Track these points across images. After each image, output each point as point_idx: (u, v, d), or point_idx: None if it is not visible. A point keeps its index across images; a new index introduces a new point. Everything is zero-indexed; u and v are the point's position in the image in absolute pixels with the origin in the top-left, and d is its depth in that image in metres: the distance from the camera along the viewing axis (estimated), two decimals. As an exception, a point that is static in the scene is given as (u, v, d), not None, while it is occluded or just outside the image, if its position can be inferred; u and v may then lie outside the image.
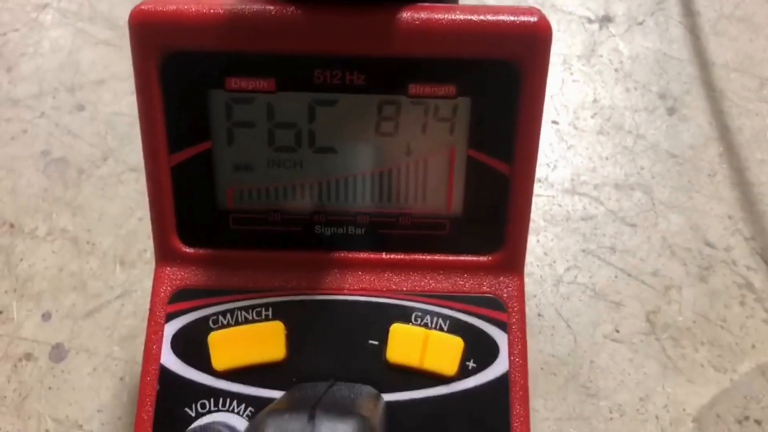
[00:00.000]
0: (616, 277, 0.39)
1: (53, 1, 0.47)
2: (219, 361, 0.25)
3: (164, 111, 0.24)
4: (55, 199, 0.41)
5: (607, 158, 0.43)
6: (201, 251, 0.26)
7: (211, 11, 0.23)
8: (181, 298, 0.25)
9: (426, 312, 0.25)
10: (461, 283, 0.26)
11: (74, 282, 0.38)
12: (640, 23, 0.49)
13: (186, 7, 0.23)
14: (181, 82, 0.23)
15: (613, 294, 0.39)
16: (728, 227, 0.41)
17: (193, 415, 0.24)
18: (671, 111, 0.46)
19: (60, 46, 0.46)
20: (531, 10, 0.23)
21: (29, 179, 0.41)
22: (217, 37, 0.23)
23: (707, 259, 0.40)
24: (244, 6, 0.23)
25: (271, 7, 0.22)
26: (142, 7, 0.23)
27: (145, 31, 0.23)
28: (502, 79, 0.23)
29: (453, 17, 0.23)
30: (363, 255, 0.26)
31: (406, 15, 0.23)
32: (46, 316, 0.37)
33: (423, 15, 0.23)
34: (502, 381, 0.24)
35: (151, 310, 0.25)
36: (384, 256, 0.26)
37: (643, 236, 0.41)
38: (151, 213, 0.25)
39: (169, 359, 0.25)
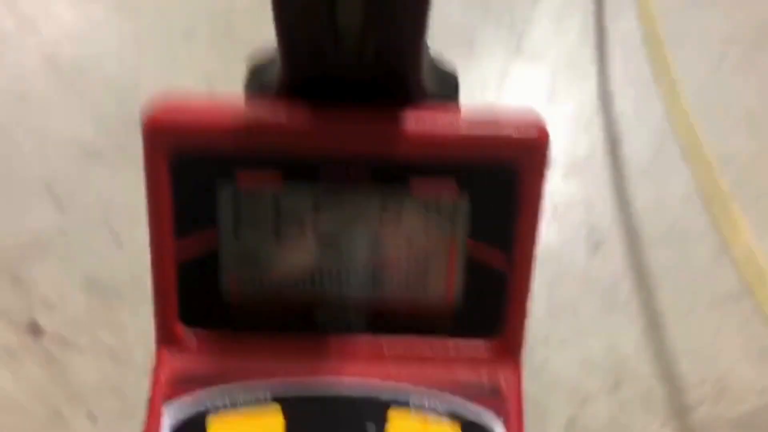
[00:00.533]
0: (543, 388, 0.50)
1: (104, 148, 0.58)
2: None
3: (172, 203, 0.24)
4: (100, 319, 0.51)
5: (539, 289, 0.54)
6: (202, 335, 0.26)
7: (222, 113, 0.24)
8: (182, 382, 0.25)
9: (424, 399, 0.25)
10: (459, 371, 0.26)
11: (116, 390, 0.48)
12: (574, 171, 0.60)
13: (197, 110, 0.24)
14: (191, 178, 0.24)
15: (542, 402, 0.49)
16: (639, 348, 0.52)
17: None
18: (596, 247, 0.56)
19: (102, 187, 0.56)
20: (530, 116, 0.24)
21: (78, 302, 0.51)
22: (227, 136, 0.24)
23: (619, 375, 0.51)
24: (253, 106, 0.24)
25: (280, 107, 0.24)
26: (155, 114, 0.23)
27: (158, 137, 0.24)
28: (502, 180, 0.24)
29: (454, 122, 0.24)
30: (363, 342, 0.26)
31: (410, 117, 0.24)
32: (93, 420, 0.47)
33: (426, 118, 0.24)
34: None
35: (151, 394, 0.25)
36: (384, 343, 0.26)
37: (568, 355, 0.51)
38: (154, 297, 0.26)
39: None
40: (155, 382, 0.25)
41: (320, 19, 0.20)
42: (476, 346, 0.26)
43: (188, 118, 0.23)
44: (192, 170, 0.24)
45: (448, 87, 0.27)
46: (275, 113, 0.23)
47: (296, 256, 0.26)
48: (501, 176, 0.24)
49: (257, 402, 0.25)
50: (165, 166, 0.24)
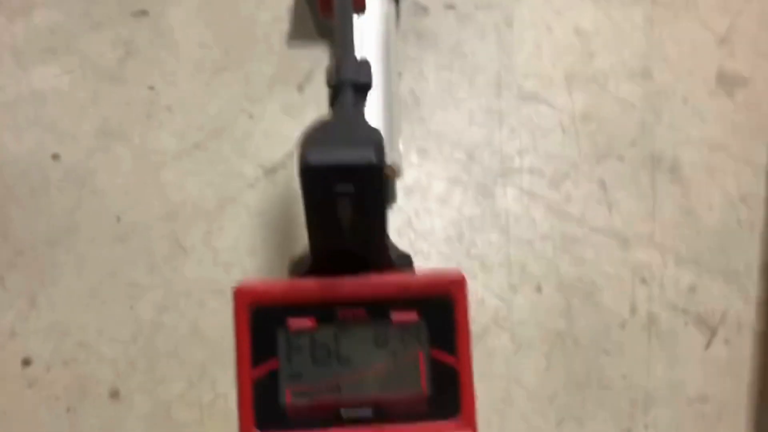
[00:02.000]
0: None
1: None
2: None
3: (250, 341, 0.37)
4: None
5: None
6: None
7: (280, 286, 0.37)
8: None
9: None
10: None
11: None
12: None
13: (266, 284, 0.37)
14: (261, 324, 0.37)
15: None
16: None
17: None
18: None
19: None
20: (454, 269, 0.38)
21: None
22: (282, 298, 0.37)
23: None
24: (295, 281, 0.38)
25: (311, 280, 0.38)
26: (242, 285, 0.37)
27: (243, 297, 0.37)
28: (444, 307, 0.37)
29: (413, 276, 0.38)
30: (374, 428, 0.37)
31: (387, 276, 0.38)
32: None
33: (396, 276, 0.38)
34: None
35: None
36: (387, 427, 0.37)
37: None
38: (238, 408, 0.37)
39: None
40: None
41: (330, 222, 0.35)
42: (445, 422, 0.38)
43: (261, 288, 0.37)
44: (262, 320, 0.37)
45: (407, 262, 0.42)
46: (309, 283, 0.38)
47: (326, 373, 0.37)
48: (443, 304, 0.38)
49: None
50: (246, 317, 0.37)
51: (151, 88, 0.66)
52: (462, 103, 0.66)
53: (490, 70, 0.68)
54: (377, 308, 0.38)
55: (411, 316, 0.38)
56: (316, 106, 0.65)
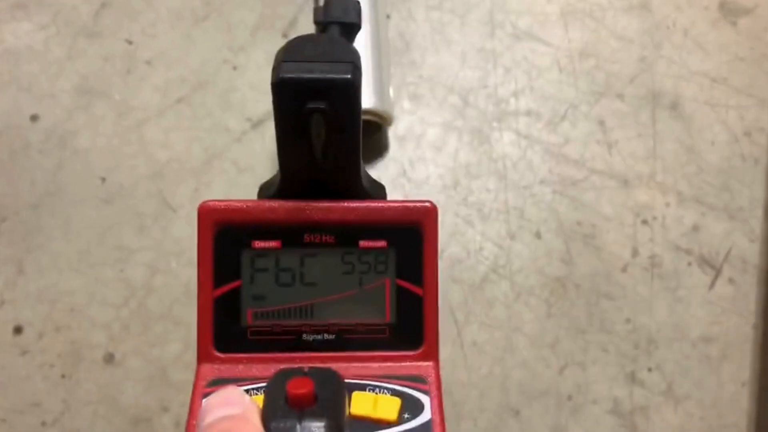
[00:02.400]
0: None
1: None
2: None
3: (213, 261, 0.37)
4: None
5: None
6: (228, 354, 0.37)
7: (245, 205, 0.37)
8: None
9: (375, 386, 0.36)
10: (398, 367, 0.37)
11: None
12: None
13: (230, 203, 0.37)
14: (225, 244, 0.37)
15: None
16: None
17: None
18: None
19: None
20: (427, 200, 0.38)
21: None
22: (247, 218, 0.36)
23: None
24: (261, 202, 0.37)
25: (278, 202, 0.37)
26: (206, 203, 0.37)
27: (207, 215, 0.37)
28: (413, 236, 0.37)
29: (383, 205, 0.38)
30: (335, 353, 0.38)
31: (357, 204, 0.37)
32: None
33: (367, 204, 0.37)
34: (427, 425, 0.35)
35: (193, 394, 0.35)
36: (348, 353, 0.38)
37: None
38: (197, 329, 0.37)
39: None
40: (197, 386, 0.36)
41: (302, 141, 0.35)
42: (408, 352, 0.38)
43: (225, 206, 0.37)
44: (226, 239, 0.36)
45: (380, 191, 0.41)
46: (276, 205, 0.37)
47: (290, 296, 0.37)
48: (412, 234, 0.37)
49: (257, 391, 0.36)
50: (211, 235, 0.37)
51: (129, 41, 0.63)
52: (454, 45, 0.64)
53: (482, 8, 0.65)
54: (345, 234, 0.37)
55: (379, 244, 0.37)
56: (302, 54, 0.62)
